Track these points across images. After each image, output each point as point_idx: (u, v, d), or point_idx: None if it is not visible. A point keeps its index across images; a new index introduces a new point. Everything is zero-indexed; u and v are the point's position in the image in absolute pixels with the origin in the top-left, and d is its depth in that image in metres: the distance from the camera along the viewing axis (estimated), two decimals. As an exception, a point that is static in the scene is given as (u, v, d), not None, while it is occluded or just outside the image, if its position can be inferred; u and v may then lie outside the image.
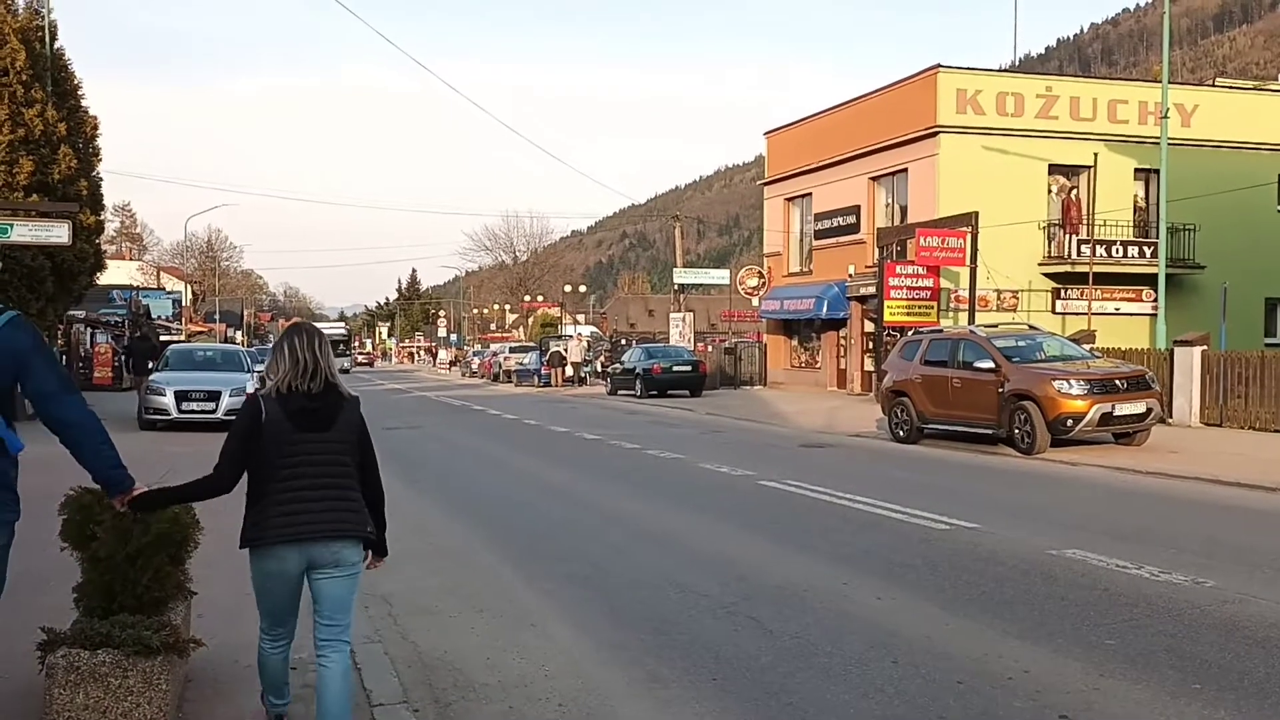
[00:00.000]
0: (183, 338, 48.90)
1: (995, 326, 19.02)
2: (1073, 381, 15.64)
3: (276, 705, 4.99)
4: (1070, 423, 15.46)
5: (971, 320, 24.42)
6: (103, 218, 27.36)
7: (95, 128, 25.71)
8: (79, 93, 25.50)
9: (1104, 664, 5.83)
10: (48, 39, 23.90)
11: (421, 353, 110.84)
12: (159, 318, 52.33)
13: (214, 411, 20.60)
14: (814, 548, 9.22)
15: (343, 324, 69.67)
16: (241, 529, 4.56)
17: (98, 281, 26.70)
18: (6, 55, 22.17)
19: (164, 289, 64.65)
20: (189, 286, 75.92)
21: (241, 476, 4.57)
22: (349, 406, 4.62)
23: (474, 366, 61.87)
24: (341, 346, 60.88)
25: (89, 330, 37.41)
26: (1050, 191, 30.21)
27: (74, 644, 4.67)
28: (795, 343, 38.05)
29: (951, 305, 27.84)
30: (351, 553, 4.52)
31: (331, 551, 4.47)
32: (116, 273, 50.01)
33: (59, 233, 19.93)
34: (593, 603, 7.46)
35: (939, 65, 29.63)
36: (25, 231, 19.70)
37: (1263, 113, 31.70)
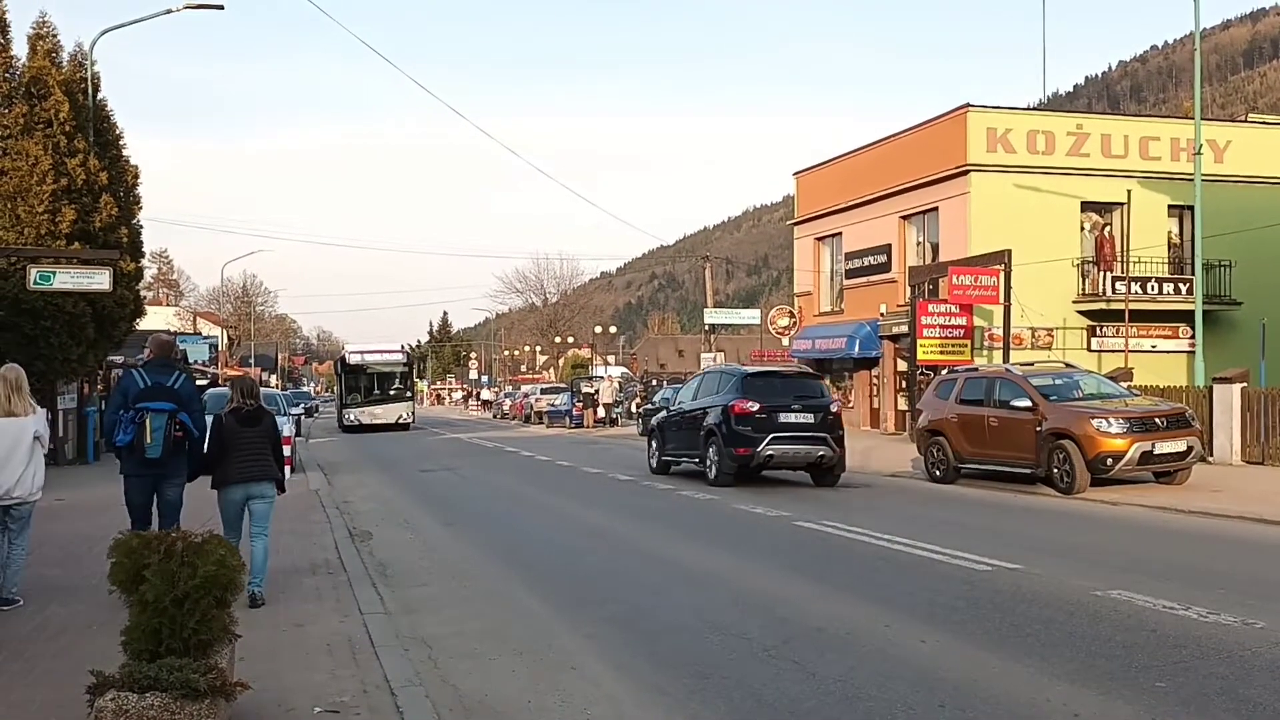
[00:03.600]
0: (219, 382, 49.28)
1: (1031, 365, 18.86)
2: (1112, 420, 15.47)
3: (257, 561, 8.72)
4: (1110, 462, 15.28)
5: (1006, 358, 24.28)
6: (142, 264, 27.74)
7: (136, 177, 26.13)
8: (120, 143, 25.95)
9: (1155, 707, 5.73)
10: (90, 91, 24.38)
11: (449, 394, 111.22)
12: (196, 362, 52.83)
13: (251, 455, 20.73)
14: (854, 589, 9.14)
15: (400, 350, 48.34)
16: (213, 479, 8.72)
17: (137, 327, 26.95)
18: (51, 107, 22.62)
19: (200, 334, 65.32)
20: (225, 331, 76.71)
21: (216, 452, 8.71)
22: (267, 415, 8.94)
23: (505, 408, 61.97)
24: (397, 383, 45.63)
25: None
26: (1083, 229, 30.06)
27: (122, 687, 4.70)
28: (827, 382, 37.81)
29: (985, 344, 27.68)
30: (268, 488, 8.81)
31: (259, 487, 8.75)
32: (154, 319, 50.59)
33: (100, 280, 20.24)
34: (634, 645, 7.42)
35: (969, 104, 29.68)
36: (68, 279, 20.02)
37: (1297, 148, 31.48)
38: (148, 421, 8.41)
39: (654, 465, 20.50)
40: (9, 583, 8.38)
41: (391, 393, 45.26)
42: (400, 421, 44.19)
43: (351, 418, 43.87)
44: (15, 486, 8.18)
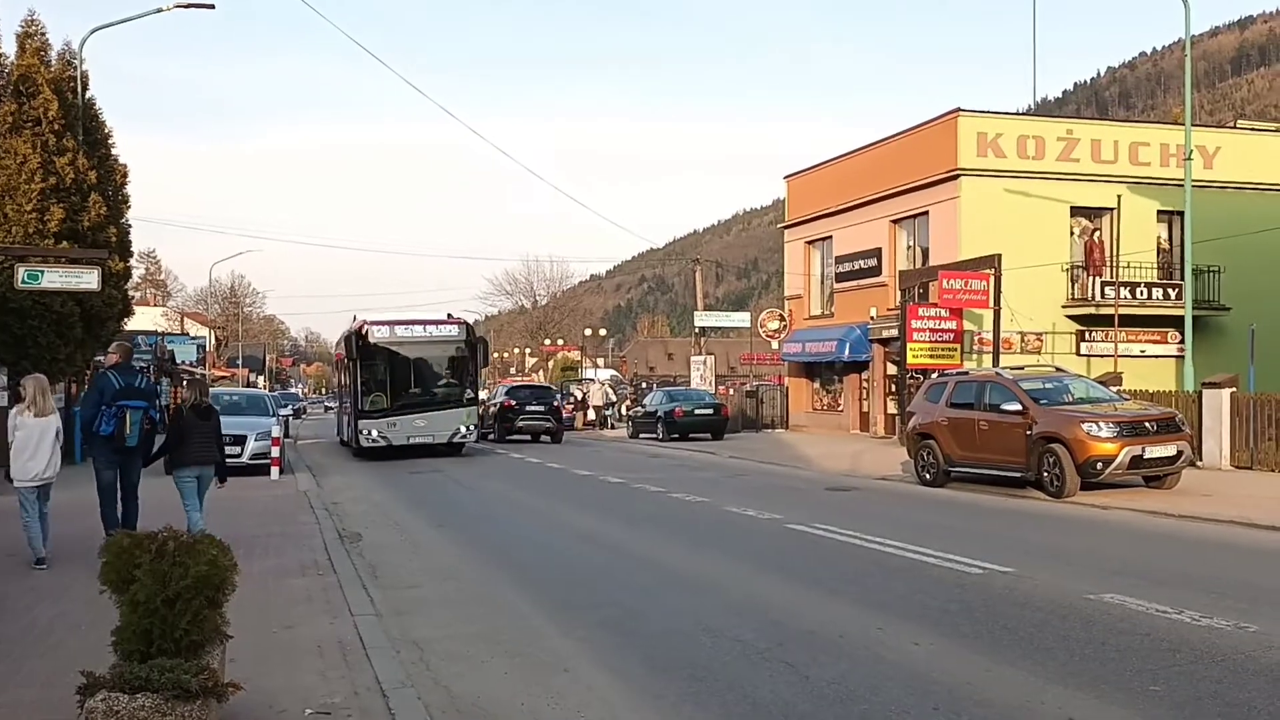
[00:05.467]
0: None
1: (1021, 369, 18.89)
2: (1102, 424, 15.50)
3: (197, 525, 10.44)
4: (1100, 465, 15.30)
5: (996, 362, 24.31)
6: (130, 264, 27.60)
7: (125, 175, 25.97)
8: (109, 141, 25.81)
9: (1150, 710, 5.73)
10: (79, 89, 24.24)
11: None
12: (183, 363, 52.59)
13: (240, 455, 20.65)
14: (846, 592, 9.13)
15: (453, 320, 27.86)
16: (170, 462, 10.87)
17: (124, 327, 26.82)
18: (40, 105, 22.49)
19: (188, 335, 65.07)
20: (212, 332, 76.43)
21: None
22: (215, 413, 11.14)
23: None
24: (450, 376, 27.13)
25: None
26: (1073, 234, 30.15)
27: (113, 688, 4.66)
28: (817, 385, 37.93)
29: (975, 347, 27.72)
30: (212, 471, 11.01)
31: (207, 470, 10.96)
32: (141, 319, 50.31)
33: (89, 279, 20.09)
34: (626, 648, 7.39)
35: (959, 109, 29.73)
36: (56, 278, 19.86)
37: (1285, 154, 31.65)
38: (128, 416, 10.42)
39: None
40: (46, 546, 10.34)
41: (440, 391, 26.92)
42: (457, 439, 26.33)
43: (374, 434, 25.76)
44: (46, 469, 10.30)
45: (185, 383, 12.69)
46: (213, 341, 74.29)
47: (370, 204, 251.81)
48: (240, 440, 20.83)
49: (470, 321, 28.55)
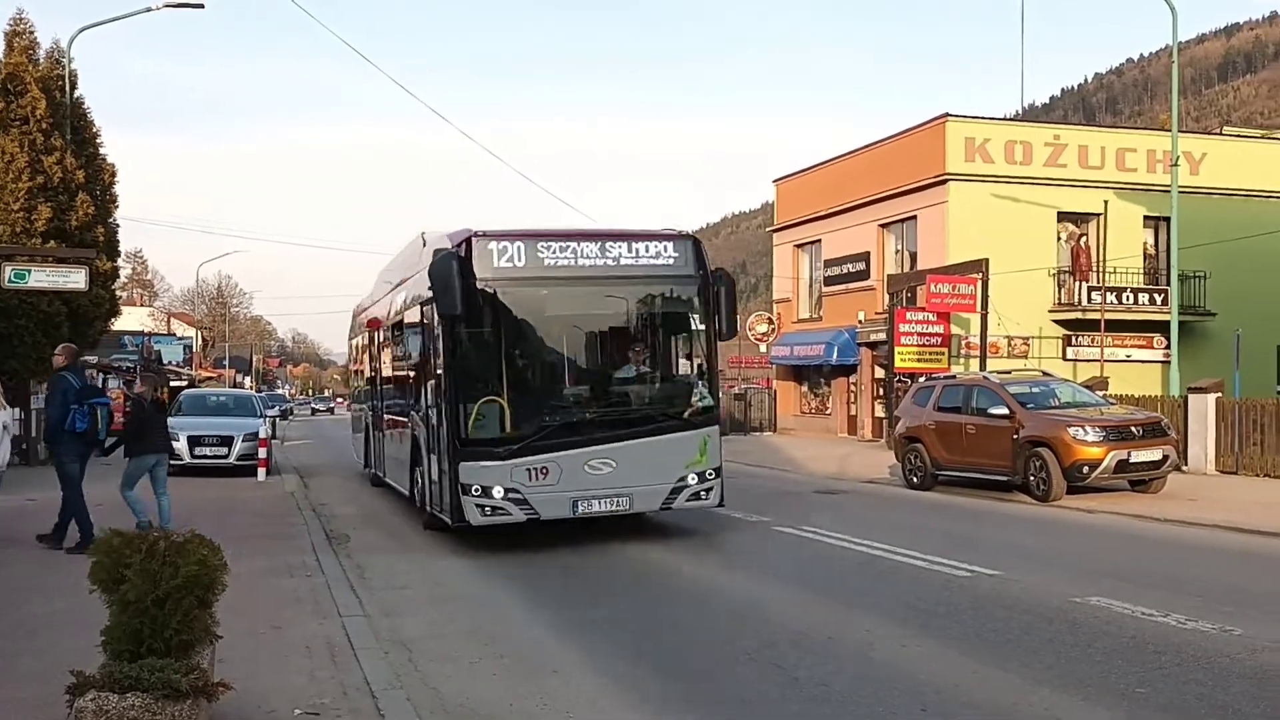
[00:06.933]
0: (185, 384, 48.77)
1: (1008, 373, 18.97)
2: (1088, 428, 15.57)
3: (141, 519, 11.29)
4: (1086, 469, 15.38)
5: (983, 367, 24.39)
6: (118, 264, 27.49)
7: (113, 175, 25.89)
8: (97, 141, 25.72)
9: (1136, 712, 5.77)
10: (68, 88, 24.15)
11: None
12: (170, 363, 52.40)
13: (226, 456, 20.60)
14: (834, 594, 9.16)
15: (667, 235, 12.01)
16: (130, 449, 11.83)
17: (111, 327, 26.72)
18: (27, 104, 22.42)
19: (174, 335, 64.84)
20: (199, 332, 76.18)
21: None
22: (165, 405, 15.14)
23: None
24: (651, 354, 12.48)
25: (102, 376, 37.51)
26: (1060, 239, 30.29)
27: (103, 687, 4.65)
28: (805, 389, 38.01)
29: (962, 351, 27.81)
30: (166, 457, 12.51)
31: (161, 458, 12.22)
32: (128, 319, 50.05)
33: (76, 279, 20.00)
34: (615, 649, 7.41)
35: (947, 114, 29.85)
36: (43, 277, 19.77)
37: (1271, 161, 31.84)
38: (99, 412, 11.18)
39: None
40: None
41: (642, 394, 12.43)
42: (677, 502, 12.02)
43: (497, 494, 11.14)
44: (3, 459, 11.28)
45: (140, 376, 13.85)
46: (199, 342, 74.06)
47: (361, 205, 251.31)
48: (227, 441, 20.77)
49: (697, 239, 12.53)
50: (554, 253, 11.49)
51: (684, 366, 12.92)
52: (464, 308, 10.97)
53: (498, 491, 11.06)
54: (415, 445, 13.60)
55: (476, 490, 11.06)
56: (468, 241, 11.25)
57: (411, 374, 14.25)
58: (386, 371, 17.15)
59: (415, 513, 14.30)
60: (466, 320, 11.19)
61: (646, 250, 11.89)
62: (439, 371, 11.81)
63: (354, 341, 22.53)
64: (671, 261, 11.98)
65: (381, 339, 17.61)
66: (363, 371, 20.73)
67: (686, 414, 12.06)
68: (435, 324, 11.86)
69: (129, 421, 12.02)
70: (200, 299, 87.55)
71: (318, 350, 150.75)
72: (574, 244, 11.62)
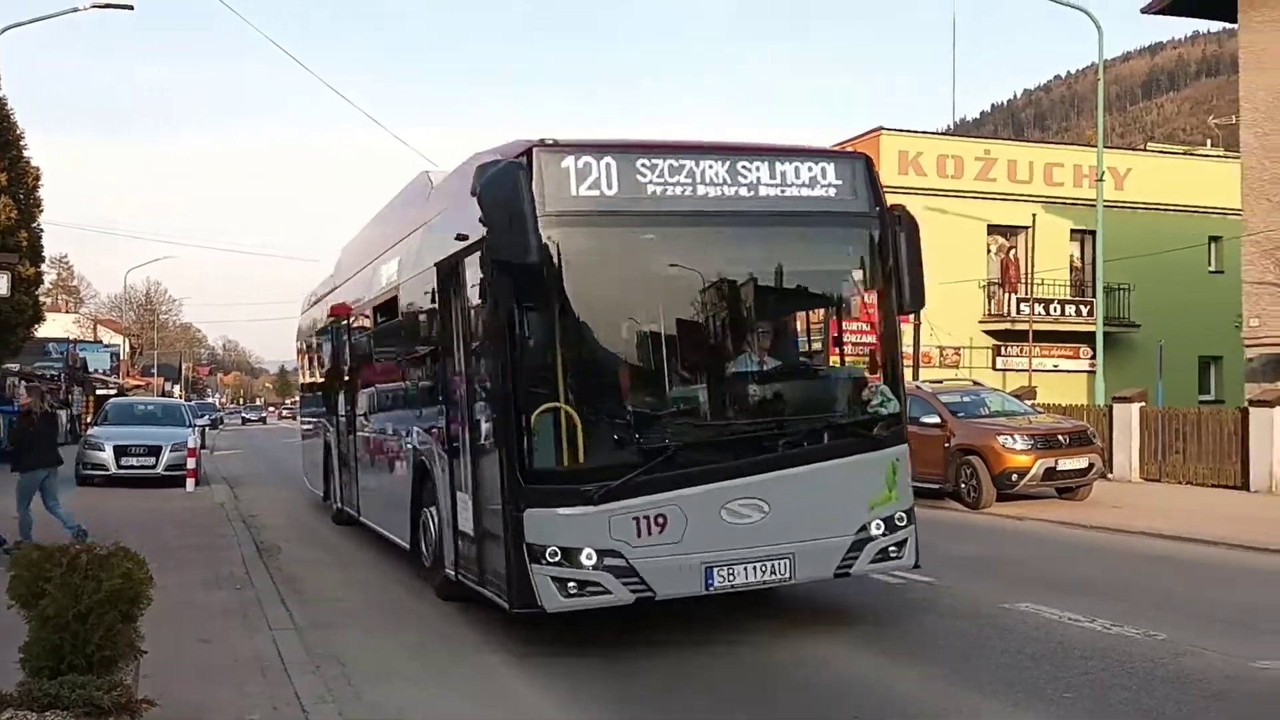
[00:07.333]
0: (124, 392, 47.72)
1: (940, 382, 19.25)
2: (1017, 437, 15.86)
3: (70, 525, 11.69)
4: (1015, 477, 15.65)
5: (916, 376, 24.71)
6: (42, 269, 26.88)
7: (37, 179, 25.35)
8: (21, 143, 25.16)
9: (1063, 718, 5.87)
10: (-11, 89, 23.66)
11: None
12: (96, 371, 51.23)
13: (154, 467, 20.17)
14: (763, 601, 9.12)
15: (826, 152, 8.49)
16: (21, 464, 11.78)
17: (35, 333, 26.09)
18: (-53, 105, 21.93)
19: (101, 342, 63.43)
20: (127, 339, 74.59)
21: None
22: (53, 417, 13.03)
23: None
24: (806, 327, 9.29)
25: (23, 384, 36.50)
26: (990, 251, 30.84)
27: (20, 705, 4.53)
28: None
29: (896, 361, 28.12)
30: (56, 469, 12.18)
31: (52, 471, 12.01)
32: (52, 325, 48.85)
33: (-3, 284, 19.54)
34: (559, 661, 7.37)
35: (881, 128, 30.24)
36: (-38, 282, 19.30)
37: (1193, 177, 32.66)
38: (2, 421, 10.96)
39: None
40: None
41: (806, 394, 8.88)
42: (845, 563, 7.84)
43: (587, 559, 6.97)
44: None
45: (26, 388, 14.74)
46: (127, 349, 72.51)
47: (297, 213, 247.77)
48: (155, 451, 20.34)
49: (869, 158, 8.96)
50: (663, 175, 7.41)
51: (852, 353, 9.24)
52: (537, 254, 6.81)
53: (588, 557, 6.93)
54: (422, 475, 9.74)
55: (554, 555, 6.92)
56: (529, 153, 7.11)
57: (416, 371, 10.24)
58: (366, 370, 12.93)
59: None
60: (530, 278, 6.90)
61: (798, 175, 7.95)
62: (480, 364, 7.88)
63: (308, 338, 17.91)
64: (833, 192, 8.12)
65: (357, 328, 13.49)
66: (322, 373, 16.36)
67: (874, 427, 8.32)
68: (470, 292, 7.90)
69: (17, 435, 12.16)
70: (128, 305, 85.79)
71: (249, 358, 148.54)
72: (690, 161, 7.53)
